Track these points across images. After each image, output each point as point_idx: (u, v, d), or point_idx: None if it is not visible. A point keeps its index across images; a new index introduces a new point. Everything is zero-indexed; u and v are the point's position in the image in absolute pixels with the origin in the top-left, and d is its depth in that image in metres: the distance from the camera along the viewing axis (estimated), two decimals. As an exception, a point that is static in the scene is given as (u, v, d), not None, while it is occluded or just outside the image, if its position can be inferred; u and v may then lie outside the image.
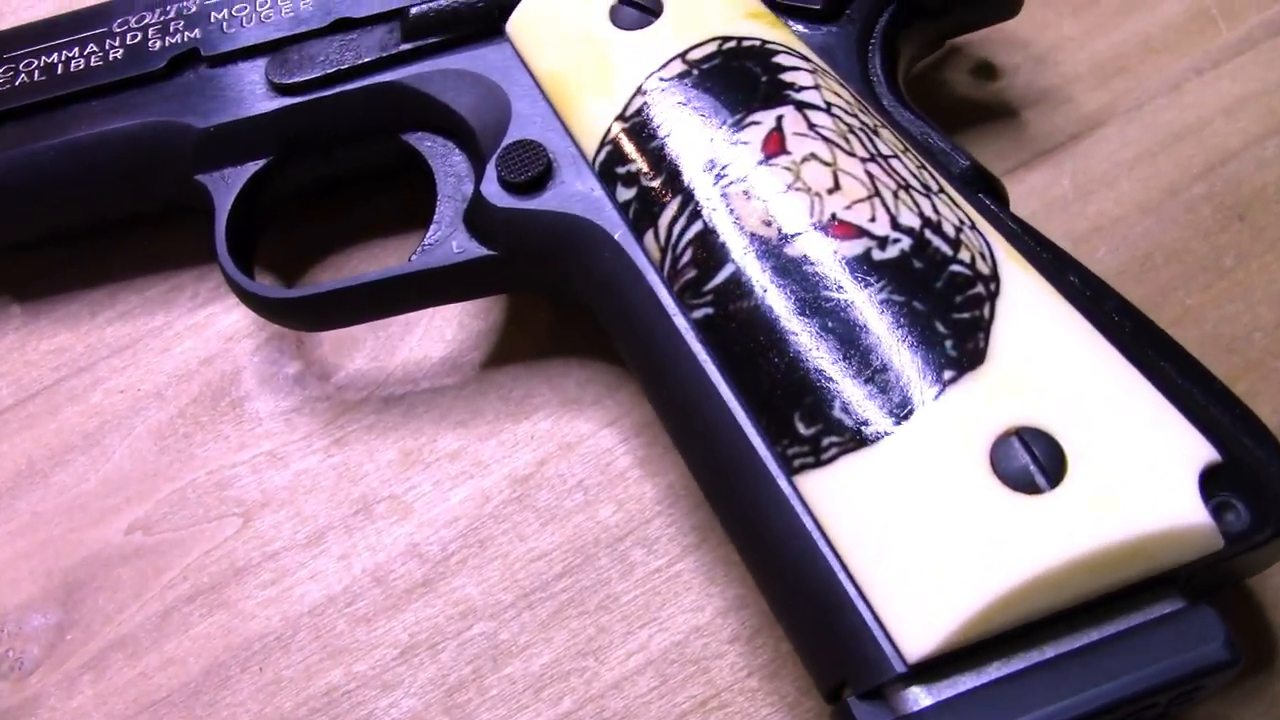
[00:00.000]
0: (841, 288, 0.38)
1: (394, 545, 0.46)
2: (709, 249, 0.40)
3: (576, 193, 0.44)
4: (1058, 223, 0.49)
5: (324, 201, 0.53)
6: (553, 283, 0.46)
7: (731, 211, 0.40)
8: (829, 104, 0.42)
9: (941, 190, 0.40)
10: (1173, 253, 0.49)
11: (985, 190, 0.42)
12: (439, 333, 0.50)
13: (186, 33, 0.51)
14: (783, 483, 0.37)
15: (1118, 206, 0.50)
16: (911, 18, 0.47)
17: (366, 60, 0.49)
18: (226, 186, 0.49)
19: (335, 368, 0.50)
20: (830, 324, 0.37)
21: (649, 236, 0.41)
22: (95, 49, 0.51)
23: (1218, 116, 0.52)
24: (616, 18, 0.46)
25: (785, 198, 0.40)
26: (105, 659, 0.45)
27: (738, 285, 0.39)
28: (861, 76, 0.45)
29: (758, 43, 0.44)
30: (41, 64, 0.51)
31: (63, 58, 0.51)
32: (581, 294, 0.45)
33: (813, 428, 0.37)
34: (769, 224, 0.39)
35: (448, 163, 0.49)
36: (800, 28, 0.46)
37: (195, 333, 0.52)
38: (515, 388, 0.49)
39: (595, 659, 0.43)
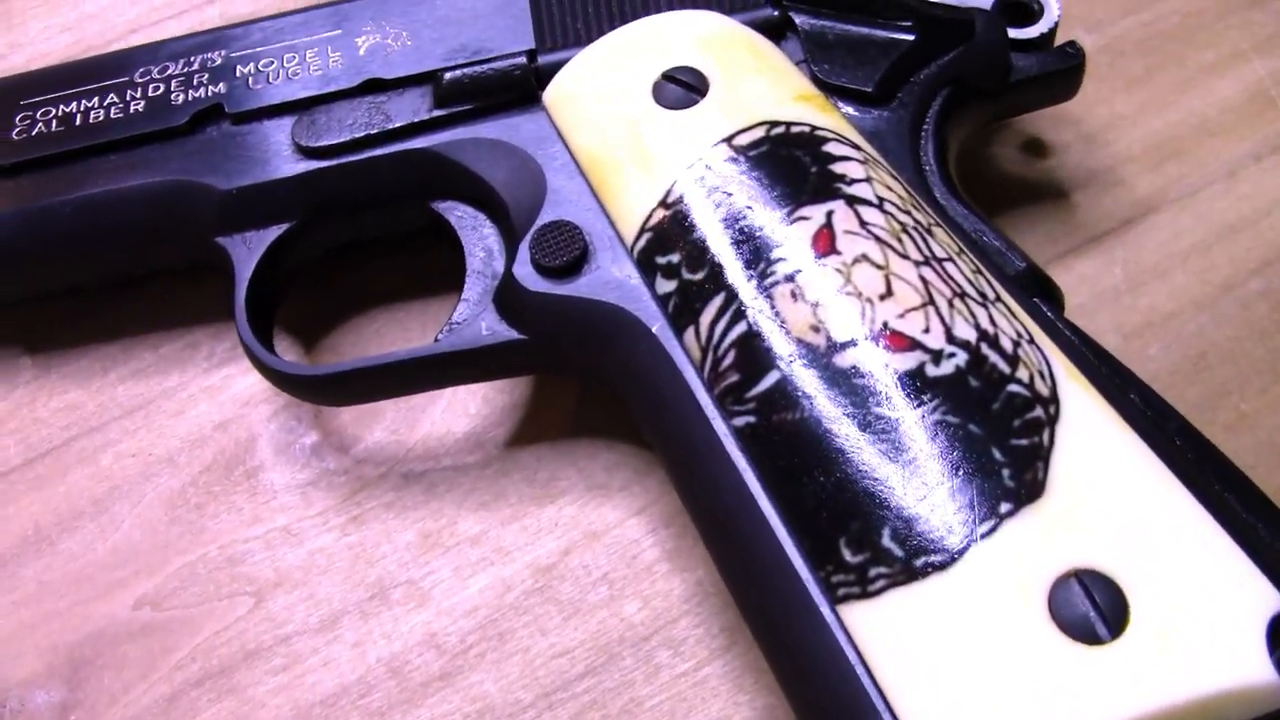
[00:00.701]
0: (894, 405, 0.36)
1: (411, 634, 0.44)
2: (753, 353, 0.38)
3: (613, 280, 0.42)
4: (1108, 315, 0.48)
5: (343, 260, 0.51)
6: (584, 368, 0.44)
7: (778, 314, 0.38)
8: (881, 199, 0.40)
9: (998, 298, 0.39)
10: (1227, 353, 0.47)
11: (1041, 295, 0.40)
12: (462, 407, 0.49)
13: (210, 87, 0.49)
14: (826, 611, 0.35)
15: (1170, 301, 0.48)
16: (966, 100, 0.46)
17: (397, 125, 0.47)
18: (248, 252, 0.47)
19: (354, 439, 0.49)
20: (881, 445, 0.36)
21: (689, 334, 0.40)
22: (115, 99, 0.49)
23: (1276, 207, 0.50)
24: (660, 94, 0.44)
25: (835, 302, 0.38)
26: (109, 743, 0.44)
27: (783, 395, 0.37)
28: (913, 165, 0.43)
29: (807, 129, 0.42)
30: (60, 113, 0.49)
31: (82, 107, 0.49)
32: (614, 383, 0.43)
33: (859, 555, 0.35)
34: (817, 330, 0.38)
35: (478, 235, 0.47)
36: (850, 110, 0.44)
37: (210, 395, 0.50)
38: (540, 469, 0.47)
39: (618, 767, 0.41)
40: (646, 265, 0.41)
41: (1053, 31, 0.47)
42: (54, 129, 0.49)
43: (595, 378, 0.44)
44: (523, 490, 0.47)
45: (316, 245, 0.49)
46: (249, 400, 0.50)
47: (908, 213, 0.40)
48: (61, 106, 0.50)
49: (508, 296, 0.44)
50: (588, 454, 0.47)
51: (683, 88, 0.43)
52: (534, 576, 0.45)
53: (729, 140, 0.42)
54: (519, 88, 0.46)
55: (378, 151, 0.47)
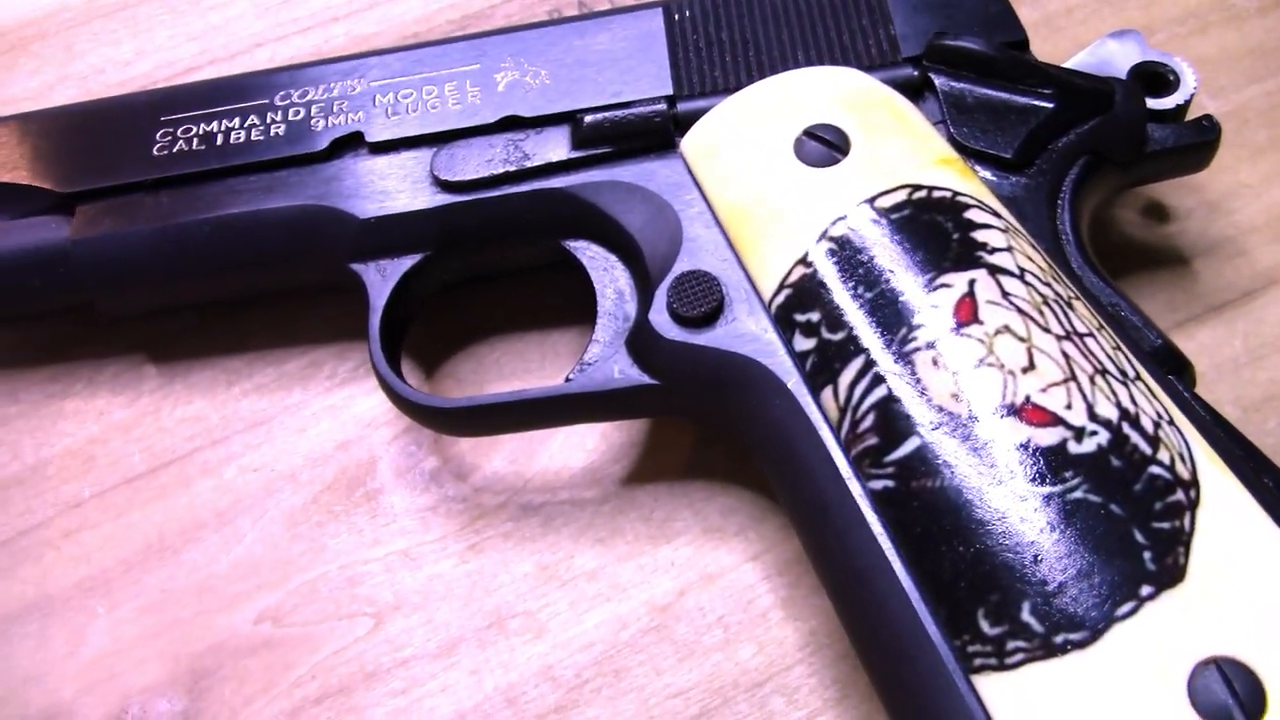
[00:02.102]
0: (1036, 480, 0.37)
1: (527, 665, 0.45)
2: (893, 417, 0.39)
3: (749, 333, 0.43)
4: (1227, 386, 0.48)
5: (465, 290, 0.52)
6: (712, 416, 0.45)
7: (919, 380, 0.39)
8: (1022, 270, 0.41)
9: (1138, 377, 0.39)
10: (1348, 432, 0.47)
11: (1175, 372, 0.41)
12: (580, 442, 0.50)
13: (350, 115, 0.50)
14: (960, 681, 0.36)
15: (1291, 376, 0.48)
16: (1101, 169, 0.46)
17: (535, 164, 0.48)
18: (382, 280, 0.48)
19: (473, 468, 0.50)
20: (1023, 519, 0.36)
21: (827, 393, 0.40)
22: (256, 121, 0.50)
23: (1399, 287, 0.50)
24: (801, 151, 0.44)
25: (977, 373, 0.39)
26: (230, 755, 0.45)
27: (923, 462, 0.38)
28: (1051, 233, 0.44)
29: (949, 194, 0.43)
30: (200, 132, 0.51)
31: (222, 127, 0.51)
32: (744, 434, 0.44)
33: (998, 628, 0.35)
34: (958, 399, 0.38)
35: (609, 276, 0.48)
36: (988, 175, 0.45)
37: (332, 414, 0.51)
38: (656, 509, 0.48)
39: (729, 811, 0.42)
40: (784, 321, 0.42)
41: (1188, 103, 0.47)
42: (194, 147, 0.50)
43: (723, 426, 0.45)
44: (639, 529, 0.47)
45: (446, 276, 0.50)
46: (370, 422, 0.51)
47: (1048, 285, 0.41)
48: (202, 125, 0.51)
49: (641, 341, 0.44)
50: (704, 497, 0.48)
51: (825, 145, 0.44)
52: (650, 615, 0.46)
53: (871, 202, 0.42)
54: (658, 134, 0.47)
55: (514, 189, 0.48)
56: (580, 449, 0.49)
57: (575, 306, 0.52)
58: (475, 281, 0.52)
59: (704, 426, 0.49)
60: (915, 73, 0.47)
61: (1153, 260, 0.51)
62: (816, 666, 0.44)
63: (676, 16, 0.49)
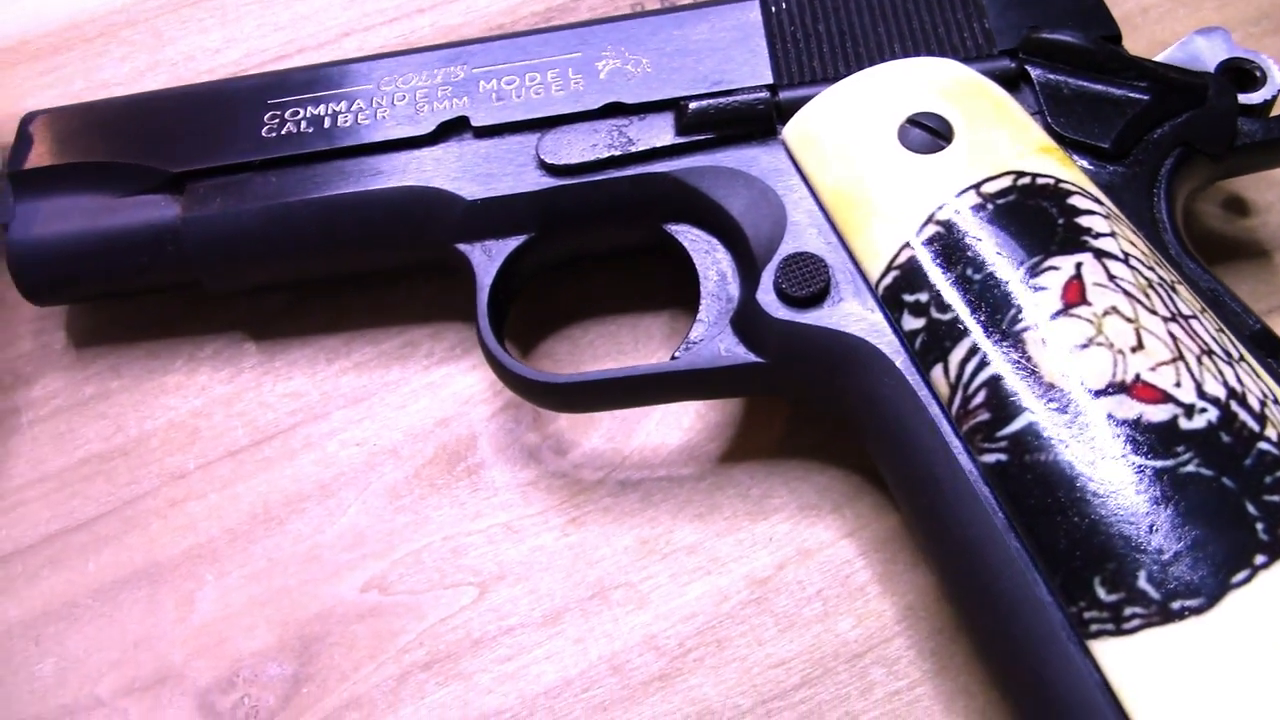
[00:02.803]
0: (1148, 455, 0.38)
1: (630, 634, 0.47)
2: (1005, 394, 0.40)
3: (855, 313, 0.44)
4: (1309, 375, 0.49)
5: (560, 272, 0.54)
6: (816, 395, 0.46)
7: (1029, 359, 0.40)
8: (1126, 254, 0.42)
9: (1242, 358, 0.40)
10: None
11: (1273, 356, 0.42)
12: (676, 420, 0.51)
13: (454, 100, 0.51)
14: (1075, 646, 0.37)
15: (1372, 365, 0.49)
16: (1193, 161, 0.47)
17: (639, 149, 0.49)
18: (489, 260, 0.49)
19: (571, 444, 0.51)
20: (1137, 491, 0.37)
21: (937, 371, 0.42)
22: (362, 105, 0.52)
23: None
24: (905, 139, 0.46)
25: (1087, 352, 0.40)
26: (340, 717, 0.46)
27: (1036, 436, 0.39)
28: (1150, 221, 0.45)
29: (1052, 181, 0.44)
30: (308, 115, 0.52)
31: (329, 111, 0.52)
32: (849, 412, 0.45)
33: (1114, 595, 0.37)
34: (1069, 376, 0.40)
35: (711, 259, 0.49)
36: (1085, 164, 0.46)
37: (431, 392, 0.53)
38: (753, 486, 0.49)
39: (830, 775, 0.43)
40: (891, 302, 0.43)
41: (1275, 98, 0.49)
42: (302, 129, 0.52)
43: (825, 405, 0.47)
44: (736, 505, 0.49)
45: (547, 258, 0.51)
46: (468, 399, 0.52)
47: (1151, 269, 0.42)
48: (309, 109, 0.52)
49: (747, 321, 0.46)
50: (798, 475, 0.49)
51: (929, 133, 0.45)
52: (749, 588, 0.47)
53: (977, 187, 0.44)
54: (761, 121, 0.48)
55: (618, 173, 0.49)
56: (676, 427, 0.51)
57: (665, 291, 0.53)
58: (569, 265, 0.53)
59: (799, 407, 0.50)
60: (1012, 65, 0.48)
61: (1234, 253, 0.53)
62: (914, 639, 0.46)
63: (774, 9, 0.51)
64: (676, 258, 0.50)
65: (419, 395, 0.53)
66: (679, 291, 0.53)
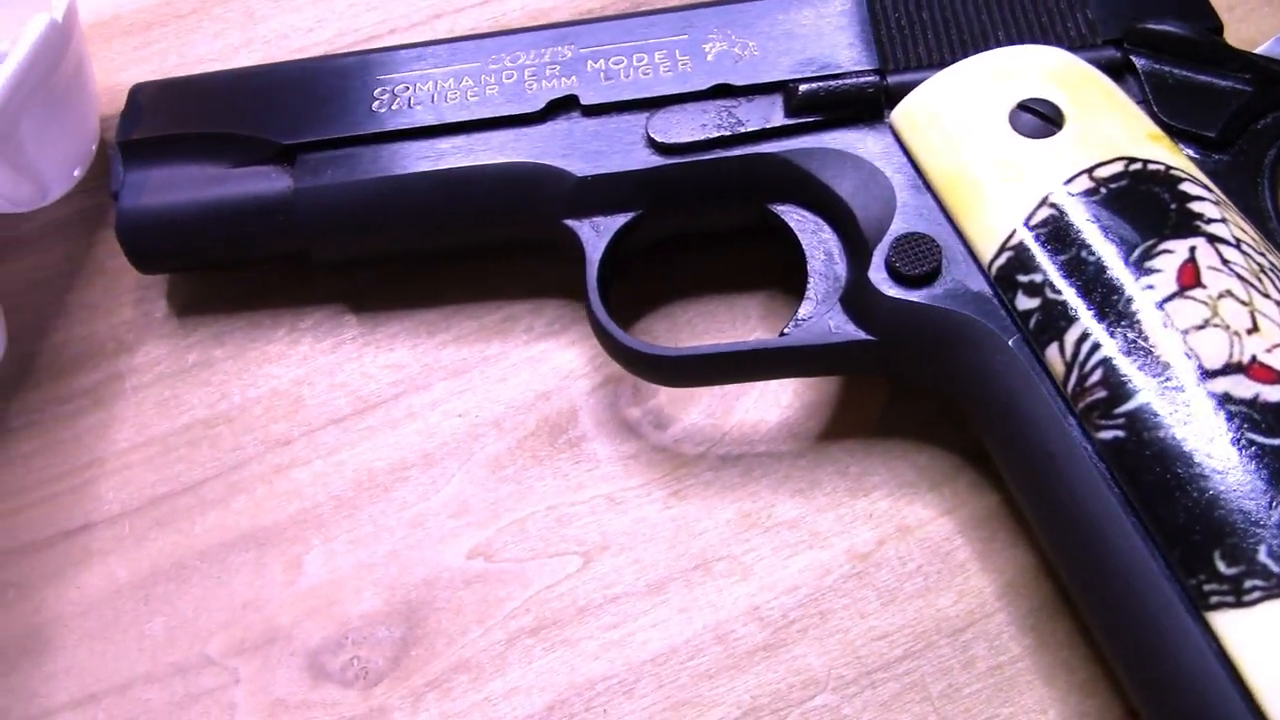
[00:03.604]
0: (1266, 432, 0.39)
1: (734, 605, 0.48)
2: (1122, 372, 0.41)
3: (968, 292, 0.45)
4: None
5: (661, 250, 0.55)
6: (923, 373, 0.47)
7: (1146, 339, 0.41)
8: (1238, 240, 0.43)
9: (1353, 343, 0.41)
10: None
11: (1380, 343, 0.43)
12: (774, 398, 0.52)
13: (563, 79, 0.52)
14: (1193, 617, 0.38)
15: None
16: (1293, 153, 0.48)
17: (748, 130, 0.50)
18: (597, 236, 0.50)
19: (671, 419, 0.52)
20: (1257, 468, 0.38)
21: (1052, 349, 0.43)
22: (471, 83, 0.53)
23: None
24: (1017, 123, 0.47)
25: (1203, 333, 0.41)
26: (449, 679, 0.47)
27: (1153, 414, 0.40)
28: (1256, 210, 0.46)
29: (1162, 168, 0.45)
30: (416, 91, 0.53)
31: (438, 88, 0.53)
32: (958, 390, 0.46)
33: (1234, 568, 0.38)
34: (1187, 356, 0.40)
35: (817, 239, 0.50)
36: (1191, 152, 0.47)
37: (531, 366, 0.54)
38: (851, 464, 0.50)
39: (934, 745, 0.44)
40: (1005, 282, 0.44)
41: (1374, 93, 0.49)
42: (412, 105, 0.53)
43: (933, 383, 0.47)
44: (836, 482, 0.50)
45: (651, 236, 0.52)
46: (568, 374, 0.53)
47: (1263, 255, 0.43)
48: (418, 85, 0.53)
49: (858, 299, 0.47)
50: (897, 454, 0.50)
51: (1040, 118, 0.46)
52: (851, 563, 0.48)
53: (1089, 172, 0.45)
54: (869, 104, 0.49)
55: (727, 153, 0.50)
56: (775, 405, 0.52)
57: (760, 271, 0.54)
58: (668, 244, 0.54)
59: (894, 388, 0.51)
60: (1118, 54, 0.49)
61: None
62: (1014, 615, 0.46)
63: (877, -4, 0.52)
64: (776, 238, 0.51)
65: (519, 369, 0.53)
66: (773, 272, 0.54)
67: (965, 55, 0.49)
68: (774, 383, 0.52)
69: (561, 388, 0.53)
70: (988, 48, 0.50)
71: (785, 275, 0.53)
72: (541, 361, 0.54)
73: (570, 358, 0.53)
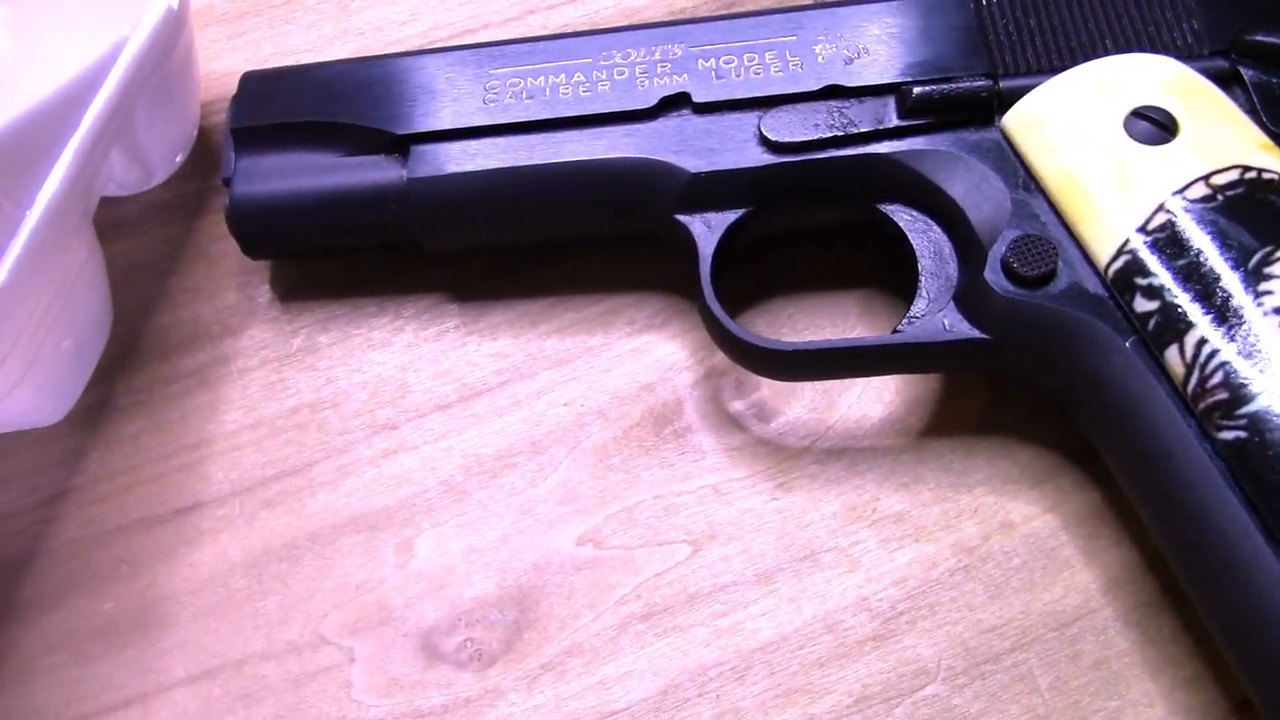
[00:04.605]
0: (1392, 436, 0.40)
1: (843, 596, 0.49)
2: (1243, 376, 0.42)
3: (1085, 293, 0.46)
4: None
5: (763, 247, 0.56)
6: (1035, 372, 0.48)
7: (1269, 343, 0.42)
8: (1353, 248, 0.44)
9: None
10: None
11: None
12: (877, 394, 0.53)
13: (674, 76, 0.53)
14: (1320, 614, 0.39)
15: None
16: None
17: (861, 130, 0.51)
18: (709, 231, 0.51)
19: (775, 412, 0.53)
20: (1383, 470, 0.39)
21: (1171, 351, 0.44)
22: (582, 78, 0.54)
23: None
24: (1132, 130, 0.48)
25: (1324, 337, 0.42)
26: (562, 663, 0.48)
27: (1275, 416, 0.41)
28: (1360, 221, 0.47)
29: (1277, 177, 0.46)
30: (528, 85, 0.54)
31: (549, 83, 0.54)
32: (1070, 389, 0.47)
33: (1362, 566, 0.39)
34: (1309, 360, 0.41)
35: (927, 238, 0.51)
36: (1293, 164, 0.48)
37: (634, 357, 0.54)
38: (954, 460, 0.51)
39: (1042, 736, 0.45)
40: (1122, 284, 0.45)
41: None
42: (523, 99, 0.54)
43: (1045, 382, 0.48)
44: (940, 477, 0.51)
45: (759, 232, 0.53)
46: (671, 366, 0.54)
47: (1378, 264, 0.44)
48: (529, 80, 0.54)
49: (973, 298, 0.48)
50: (1000, 451, 0.51)
51: (1155, 125, 0.47)
52: (957, 556, 0.49)
53: (1205, 179, 0.46)
54: (981, 107, 0.50)
55: (839, 152, 0.51)
56: (877, 401, 0.53)
57: (861, 271, 0.55)
58: (769, 242, 0.55)
59: (996, 386, 0.52)
60: (1226, 64, 0.50)
61: None
62: (1120, 611, 0.47)
63: (985, 2, 0.53)
64: (878, 238, 0.52)
65: (623, 360, 0.54)
66: (872, 272, 0.55)
67: (1074, 62, 0.50)
68: (876, 379, 0.53)
69: (665, 380, 0.54)
70: (1095, 56, 0.51)
71: (884, 275, 0.54)
72: (644, 354, 0.54)
73: (672, 350, 0.54)
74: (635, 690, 0.47)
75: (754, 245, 0.55)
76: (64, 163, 0.50)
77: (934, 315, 0.48)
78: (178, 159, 0.61)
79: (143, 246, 0.60)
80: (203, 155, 0.62)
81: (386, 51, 0.61)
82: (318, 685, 0.48)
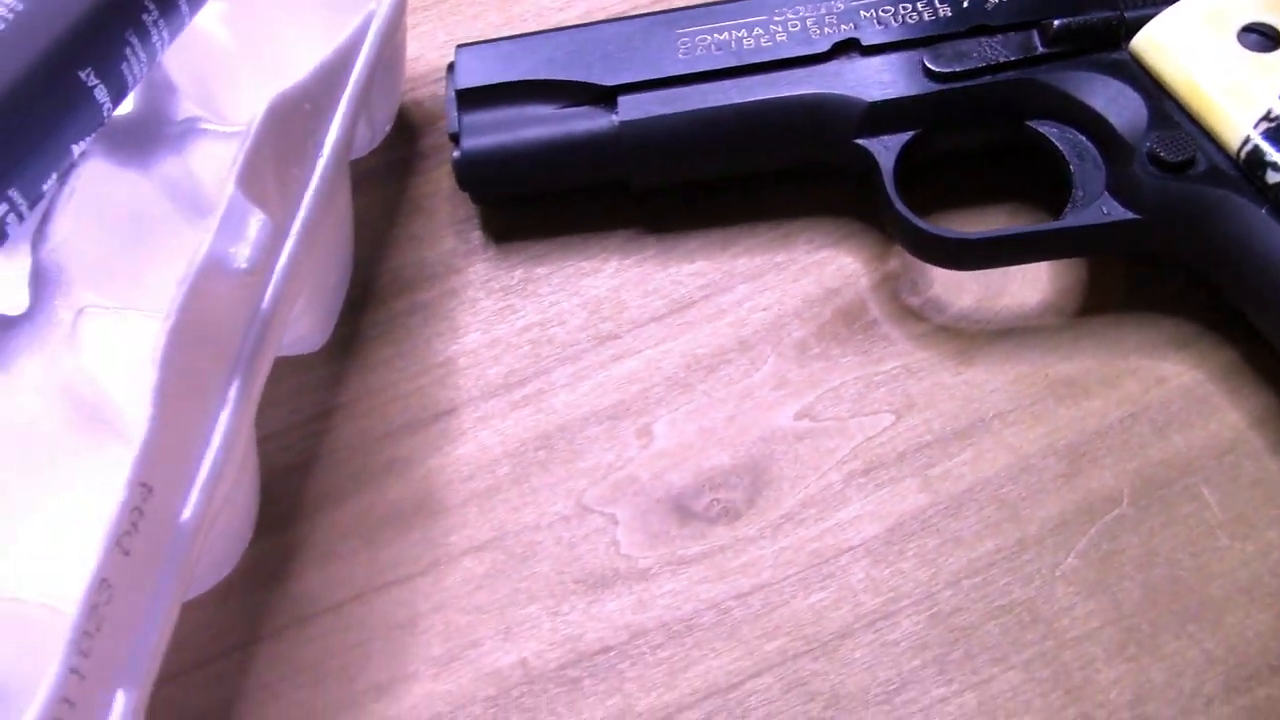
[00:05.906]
0: None
1: (1031, 445, 0.57)
2: (1365, 223, 0.52)
3: (1222, 174, 0.55)
4: None
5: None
6: (1184, 246, 0.58)
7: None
8: None
9: None
10: None
11: None
12: (1032, 284, 0.62)
13: (842, 25, 0.63)
14: None
15: None
16: None
17: (1010, 59, 0.61)
18: (887, 151, 0.61)
19: (948, 305, 0.62)
20: None
21: (1302, 212, 0.53)
22: (761, 32, 0.63)
23: None
24: (1244, 41, 0.58)
25: None
26: (800, 513, 0.56)
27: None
28: None
29: (1368, 70, 0.56)
30: (715, 40, 0.63)
31: (734, 36, 0.63)
32: (1216, 258, 0.56)
33: None
34: None
35: (1075, 147, 0.60)
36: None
37: (818, 269, 0.63)
38: (1107, 333, 0.60)
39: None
40: (1253, 164, 0.55)
41: None
42: (713, 52, 0.63)
43: (1193, 254, 0.57)
44: (1097, 348, 0.60)
45: (926, 152, 0.63)
46: (850, 274, 0.63)
47: None
48: (715, 35, 0.63)
49: (1124, 187, 0.57)
50: (1146, 323, 0.60)
51: (1264, 36, 0.57)
52: (1122, 407, 0.58)
53: (1311, 75, 0.56)
54: (1112, 34, 0.60)
55: (994, 78, 0.61)
56: (1034, 290, 0.62)
57: (1005, 190, 0.64)
58: (926, 168, 0.64)
59: (1133, 273, 0.62)
60: (1314, -14, 0.60)
61: None
62: (1269, 441, 0.56)
63: (1106, -57, 0.63)
64: (1020, 163, 0.62)
65: (808, 271, 0.63)
66: (1015, 191, 0.64)
67: (1186, -7, 0.60)
68: (1030, 273, 0.62)
69: (848, 284, 0.63)
70: (1208, -11, 0.61)
71: (1026, 193, 0.64)
72: (826, 265, 0.63)
73: (850, 261, 0.63)
74: (866, 529, 0.56)
75: (912, 172, 0.65)
76: (340, 113, 0.58)
77: (1093, 204, 0.58)
78: (387, 127, 0.69)
79: (361, 205, 0.68)
80: (403, 127, 0.70)
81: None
82: (589, 545, 0.56)
